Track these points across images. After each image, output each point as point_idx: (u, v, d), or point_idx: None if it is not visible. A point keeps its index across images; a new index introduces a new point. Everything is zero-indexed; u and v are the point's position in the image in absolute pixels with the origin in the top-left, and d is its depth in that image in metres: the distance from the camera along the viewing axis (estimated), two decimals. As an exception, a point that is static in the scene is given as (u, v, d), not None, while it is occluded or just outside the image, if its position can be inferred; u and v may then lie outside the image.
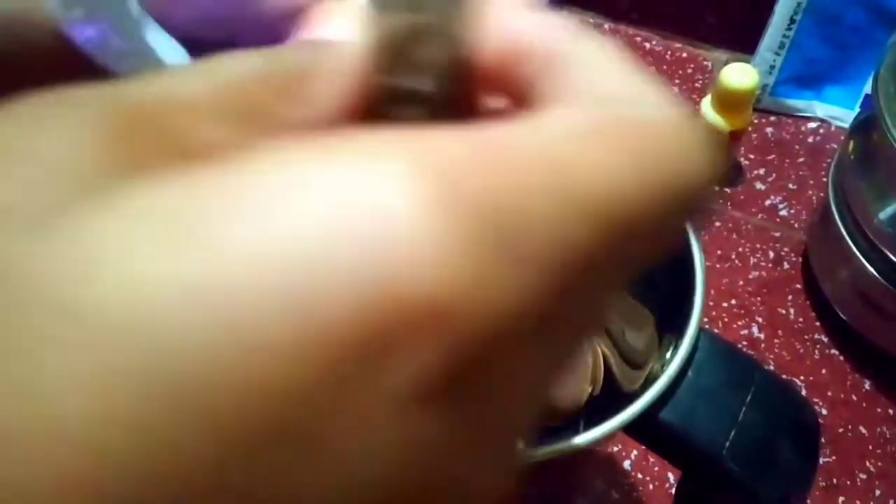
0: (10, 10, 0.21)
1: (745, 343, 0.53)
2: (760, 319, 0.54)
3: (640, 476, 0.48)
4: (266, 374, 0.08)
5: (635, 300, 0.39)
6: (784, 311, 0.55)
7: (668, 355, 0.32)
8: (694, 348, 0.30)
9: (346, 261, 0.08)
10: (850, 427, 0.49)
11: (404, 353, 0.08)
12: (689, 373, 0.30)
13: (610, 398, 0.40)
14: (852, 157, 0.51)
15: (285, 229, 0.08)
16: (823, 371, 0.52)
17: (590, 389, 0.42)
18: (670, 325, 0.34)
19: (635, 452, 0.47)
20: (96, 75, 0.24)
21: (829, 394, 0.51)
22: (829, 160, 0.62)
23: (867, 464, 0.48)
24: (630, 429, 0.30)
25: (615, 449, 0.48)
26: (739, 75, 0.56)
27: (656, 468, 0.46)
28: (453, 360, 0.09)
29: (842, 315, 0.52)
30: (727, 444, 0.30)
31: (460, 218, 0.09)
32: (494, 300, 0.09)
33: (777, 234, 0.59)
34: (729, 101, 0.57)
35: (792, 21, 0.61)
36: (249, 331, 0.08)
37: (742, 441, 0.30)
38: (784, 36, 0.62)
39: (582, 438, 0.28)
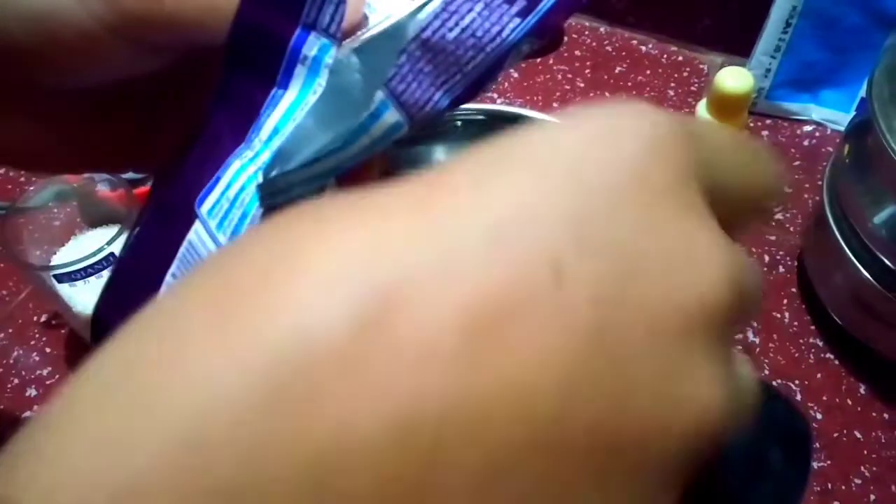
0: (39, 6, 0.23)
1: (739, 347, 0.53)
2: (755, 323, 0.54)
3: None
4: None
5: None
6: (779, 315, 0.55)
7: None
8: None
9: None
10: (845, 432, 0.49)
11: None
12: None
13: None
14: (847, 160, 0.51)
15: None
16: (819, 375, 0.52)
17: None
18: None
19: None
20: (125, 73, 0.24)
21: (825, 398, 0.51)
22: (824, 163, 0.62)
23: (862, 469, 0.48)
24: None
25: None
26: (735, 79, 0.56)
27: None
28: None
29: (837, 319, 0.52)
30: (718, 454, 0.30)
31: None
32: None
33: (772, 238, 0.59)
34: (724, 105, 0.57)
35: (787, 24, 0.61)
36: None
37: (734, 451, 0.30)
38: (780, 39, 0.62)
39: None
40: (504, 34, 0.23)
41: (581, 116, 0.14)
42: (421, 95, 0.24)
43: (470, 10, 0.23)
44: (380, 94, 0.23)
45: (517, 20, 0.23)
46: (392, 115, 0.23)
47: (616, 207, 0.13)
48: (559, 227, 0.12)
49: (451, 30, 0.23)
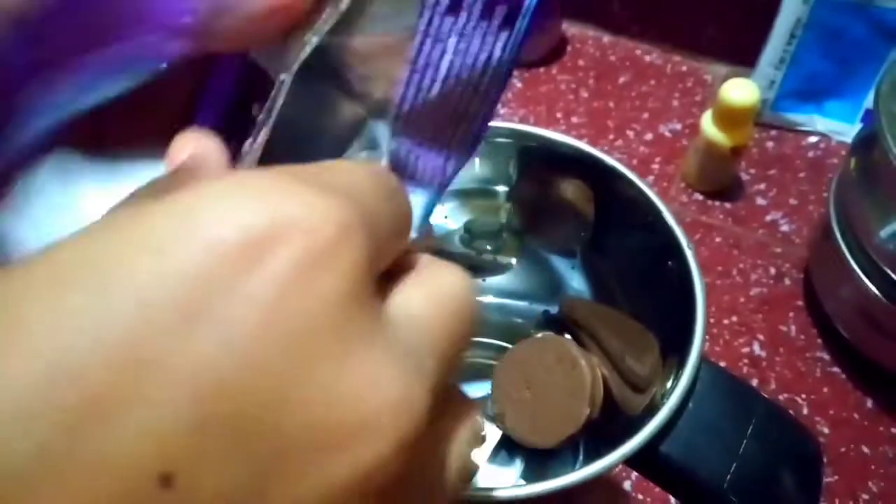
0: None
1: (746, 361, 0.53)
2: (762, 337, 0.54)
3: (640, 497, 0.47)
4: None
5: (640, 324, 0.38)
6: (785, 329, 0.54)
7: (668, 385, 0.32)
8: (695, 380, 0.30)
9: None
10: (852, 447, 0.49)
11: None
12: (690, 404, 0.30)
13: (610, 421, 0.40)
14: (854, 174, 0.51)
15: None
16: (825, 390, 0.51)
17: (588, 412, 0.42)
18: (674, 348, 0.34)
19: (635, 474, 0.46)
20: None
21: (831, 412, 0.50)
22: (830, 175, 0.62)
23: (870, 484, 0.47)
24: (631, 462, 0.30)
25: (615, 471, 0.47)
26: (740, 91, 0.55)
27: (657, 489, 0.46)
28: None
29: (843, 333, 0.52)
30: (729, 476, 0.29)
31: None
32: None
33: (778, 250, 0.58)
34: (730, 117, 0.56)
35: (792, 36, 0.61)
36: None
37: (744, 474, 0.30)
38: (784, 51, 0.62)
39: (580, 473, 0.28)
40: (495, 55, 0.20)
41: (220, 212, 0.12)
42: (430, 166, 0.21)
43: (443, 55, 0.19)
44: None
45: (504, 34, 0.20)
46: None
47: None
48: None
49: (429, 89, 0.20)
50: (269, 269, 0.12)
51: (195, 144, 0.19)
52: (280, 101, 0.19)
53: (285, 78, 0.19)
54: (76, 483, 0.11)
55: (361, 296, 0.13)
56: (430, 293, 0.16)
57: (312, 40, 0.19)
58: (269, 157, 0.19)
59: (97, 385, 0.11)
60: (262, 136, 0.19)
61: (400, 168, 0.21)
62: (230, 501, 0.12)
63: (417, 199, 0.21)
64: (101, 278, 0.11)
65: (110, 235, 0.12)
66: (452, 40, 0.19)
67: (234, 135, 0.20)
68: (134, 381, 0.11)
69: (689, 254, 0.33)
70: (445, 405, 0.15)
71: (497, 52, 0.20)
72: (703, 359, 0.30)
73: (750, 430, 0.30)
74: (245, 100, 0.21)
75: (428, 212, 0.21)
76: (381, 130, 0.21)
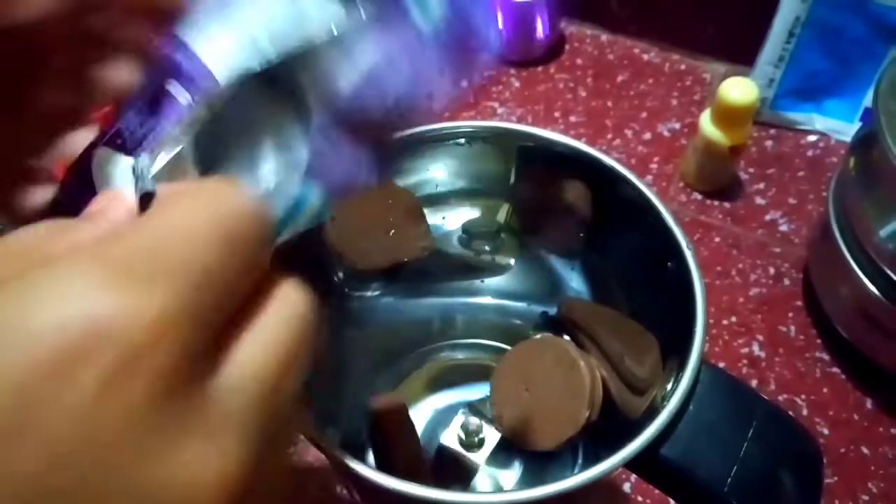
0: None
1: (745, 362, 0.53)
2: (761, 337, 0.54)
3: (640, 499, 0.47)
4: None
5: (640, 325, 0.38)
6: (785, 329, 0.54)
7: (668, 387, 0.31)
8: (695, 382, 0.30)
9: None
10: (852, 447, 0.49)
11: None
12: (691, 407, 0.30)
13: (610, 423, 0.40)
14: (853, 173, 0.50)
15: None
16: (825, 390, 0.51)
17: (587, 414, 0.42)
18: (673, 349, 0.33)
19: (635, 476, 0.46)
20: None
21: (831, 413, 0.50)
22: (829, 174, 0.62)
23: (869, 485, 0.47)
24: (631, 465, 0.29)
25: (615, 473, 0.47)
26: (739, 90, 0.55)
27: (656, 492, 0.46)
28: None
29: (843, 333, 0.52)
30: (729, 479, 0.29)
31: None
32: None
33: (777, 250, 0.58)
34: (729, 116, 0.56)
35: (791, 35, 0.61)
36: None
37: (744, 476, 0.29)
38: (783, 49, 0.61)
39: (580, 477, 0.28)
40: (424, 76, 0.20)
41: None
42: (336, 168, 0.21)
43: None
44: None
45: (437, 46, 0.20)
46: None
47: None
48: None
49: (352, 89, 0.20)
50: (79, 384, 0.13)
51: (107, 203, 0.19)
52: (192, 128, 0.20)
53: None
54: None
55: (174, 391, 0.14)
56: (267, 343, 0.16)
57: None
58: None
59: None
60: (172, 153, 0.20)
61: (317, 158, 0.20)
62: None
63: (312, 194, 0.20)
64: None
65: None
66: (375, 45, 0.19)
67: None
68: None
69: (688, 254, 0.33)
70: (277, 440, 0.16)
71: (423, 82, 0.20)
72: (704, 361, 0.30)
73: (750, 433, 0.29)
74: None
75: (307, 210, 0.21)
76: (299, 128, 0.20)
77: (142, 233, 0.15)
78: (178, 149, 0.20)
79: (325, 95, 0.20)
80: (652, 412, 0.31)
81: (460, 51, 0.20)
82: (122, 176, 0.22)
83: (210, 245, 0.15)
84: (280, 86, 0.20)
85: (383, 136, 0.21)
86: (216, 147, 0.20)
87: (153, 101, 0.22)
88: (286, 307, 0.17)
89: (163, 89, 0.22)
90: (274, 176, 0.20)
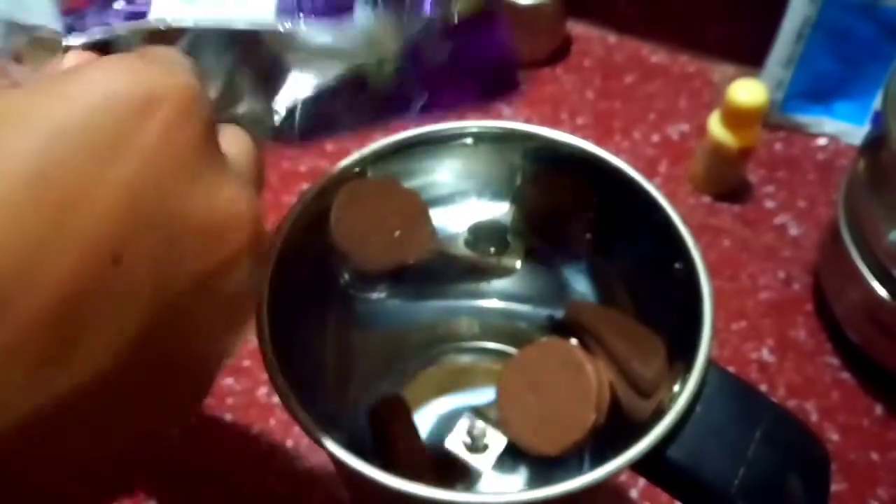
0: None
1: (755, 366, 0.52)
2: (770, 342, 0.53)
3: (647, 504, 0.47)
4: None
5: (646, 327, 0.38)
6: (794, 334, 0.54)
7: (675, 389, 0.31)
8: (702, 383, 0.29)
9: None
10: (861, 453, 0.48)
11: None
12: (698, 409, 0.29)
13: (616, 428, 0.39)
14: (862, 176, 0.50)
15: None
16: (834, 395, 0.51)
17: (594, 418, 0.41)
18: (681, 352, 0.33)
19: (642, 481, 0.46)
20: None
21: (841, 419, 0.50)
22: (839, 177, 0.61)
23: (879, 491, 0.47)
24: (637, 466, 0.29)
25: (621, 478, 0.47)
26: (748, 92, 0.55)
27: (664, 496, 0.45)
28: None
29: (853, 338, 0.51)
30: (736, 482, 0.29)
31: None
32: None
33: (787, 254, 0.58)
34: (738, 119, 0.56)
35: (800, 36, 0.60)
36: None
37: (752, 479, 0.29)
38: (792, 51, 0.61)
39: (586, 478, 0.28)
40: None
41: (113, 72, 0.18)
42: None
43: None
44: None
45: None
46: None
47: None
48: None
49: None
50: (151, 126, 0.18)
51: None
52: None
53: None
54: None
55: (212, 138, 0.20)
56: (232, 137, 0.23)
57: None
58: None
59: (61, 187, 0.16)
60: None
61: None
62: (157, 270, 0.17)
63: None
64: (23, 119, 0.16)
65: (28, 92, 0.17)
66: None
67: None
68: (81, 187, 0.16)
69: (695, 254, 0.33)
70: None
71: None
72: (711, 363, 0.30)
73: (758, 435, 0.29)
74: None
75: None
76: None
77: (156, 50, 0.22)
78: None
79: None
80: (658, 415, 0.30)
81: None
82: None
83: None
84: None
85: None
86: None
87: None
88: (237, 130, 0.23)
89: None
90: None
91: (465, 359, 0.48)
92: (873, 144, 0.50)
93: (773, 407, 0.30)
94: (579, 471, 0.44)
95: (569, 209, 0.41)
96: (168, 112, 0.18)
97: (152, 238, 0.17)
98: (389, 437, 0.40)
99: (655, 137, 0.65)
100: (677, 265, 0.34)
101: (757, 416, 0.30)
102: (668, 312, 0.35)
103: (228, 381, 0.51)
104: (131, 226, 0.17)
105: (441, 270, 0.44)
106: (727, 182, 0.61)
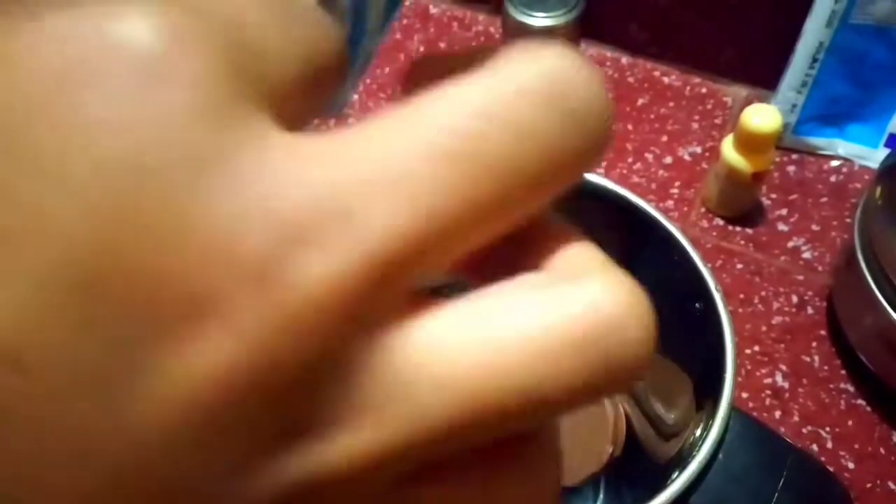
0: None
1: (769, 392, 0.52)
2: (784, 367, 0.53)
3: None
4: None
5: (673, 363, 0.38)
6: (808, 359, 0.54)
7: (697, 433, 0.31)
8: (725, 430, 0.29)
9: None
10: (878, 482, 0.48)
11: None
12: (721, 456, 0.29)
13: (632, 460, 0.39)
14: (879, 202, 0.50)
15: None
16: (850, 422, 0.51)
17: (610, 450, 0.41)
18: (702, 393, 0.33)
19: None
20: None
21: (856, 446, 0.50)
22: (852, 200, 0.61)
23: (896, 521, 0.47)
24: (660, 513, 0.29)
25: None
26: (762, 117, 0.55)
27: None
28: None
29: (868, 364, 0.51)
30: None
31: None
32: None
33: (800, 278, 0.58)
34: (751, 143, 0.56)
35: (814, 60, 0.60)
36: None
37: (775, 525, 0.29)
38: (806, 75, 0.61)
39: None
40: None
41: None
42: None
43: None
44: None
45: None
46: None
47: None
48: None
49: None
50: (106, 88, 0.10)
51: None
52: None
53: None
54: None
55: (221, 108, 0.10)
56: None
57: None
58: None
59: None
60: None
61: None
62: (94, 382, 0.09)
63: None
64: None
65: None
66: None
67: None
68: None
69: (717, 297, 0.33)
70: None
71: None
72: (734, 408, 0.30)
73: (781, 483, 0.29)
74: None
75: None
76: None
77: None
78: None
79: None
80: (681, 455, 0.30)
81: None
82: None
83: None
84: None
85: None
86: None
87: None
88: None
89: None
90: None
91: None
92: (890, 171, 0.50)
93: (795, 453, 0.30)
94: (594, 501, 0.44)
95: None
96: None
97: (77, 318, 0.10)
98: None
99: (668, 159, 0.65)
100: (697, 305, 0.34)
101: (780, 462, 0.30)
102: (690, 350, 0.35)
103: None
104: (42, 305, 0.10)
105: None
106: (740, 205, 0.61)
